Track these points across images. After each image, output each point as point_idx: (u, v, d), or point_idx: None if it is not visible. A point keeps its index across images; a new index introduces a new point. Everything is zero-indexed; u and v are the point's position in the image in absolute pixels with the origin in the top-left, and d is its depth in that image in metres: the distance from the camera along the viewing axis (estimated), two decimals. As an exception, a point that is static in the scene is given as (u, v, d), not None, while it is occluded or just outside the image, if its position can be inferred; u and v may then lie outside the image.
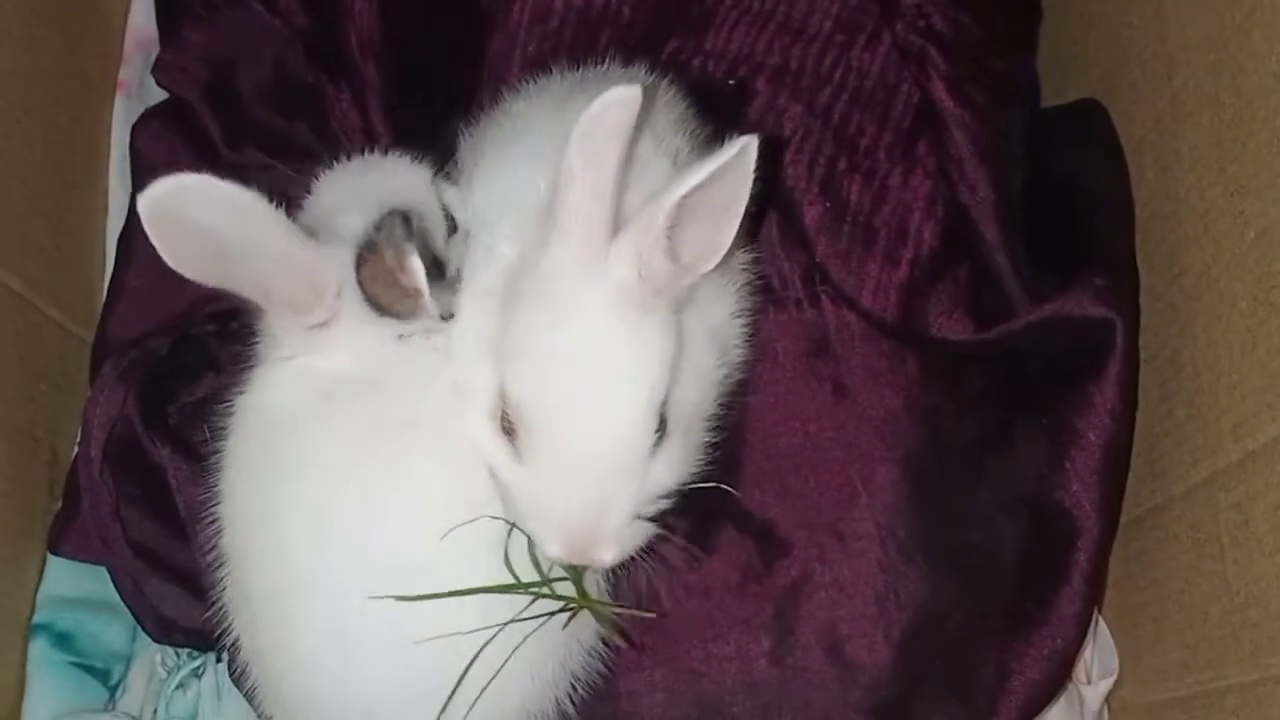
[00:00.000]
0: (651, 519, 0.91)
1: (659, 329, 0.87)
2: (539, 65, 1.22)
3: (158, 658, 1.22)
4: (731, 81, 1.25)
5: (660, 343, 0.87)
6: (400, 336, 0.94)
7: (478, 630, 0.89)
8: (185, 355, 1.19)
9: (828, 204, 1.19)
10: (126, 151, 1.37)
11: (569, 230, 0.86)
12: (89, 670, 1.20)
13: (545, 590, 0.91)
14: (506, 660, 0.90)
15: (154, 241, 0.84)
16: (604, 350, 0.85)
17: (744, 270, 1.08)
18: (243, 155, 1.32)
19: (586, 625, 1.00)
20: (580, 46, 1.27)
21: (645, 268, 0.86)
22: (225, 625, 1.00)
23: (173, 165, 1.32)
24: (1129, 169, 1.20)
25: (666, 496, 0.91)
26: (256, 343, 1.00)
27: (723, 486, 1.01)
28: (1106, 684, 1.17)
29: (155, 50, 1.40)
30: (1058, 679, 1.09)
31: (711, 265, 0.90)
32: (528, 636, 0.91)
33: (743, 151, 0.82)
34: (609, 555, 0.87)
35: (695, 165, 0.83)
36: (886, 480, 1.14)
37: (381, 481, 0.91)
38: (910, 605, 1.11)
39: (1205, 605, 1.04)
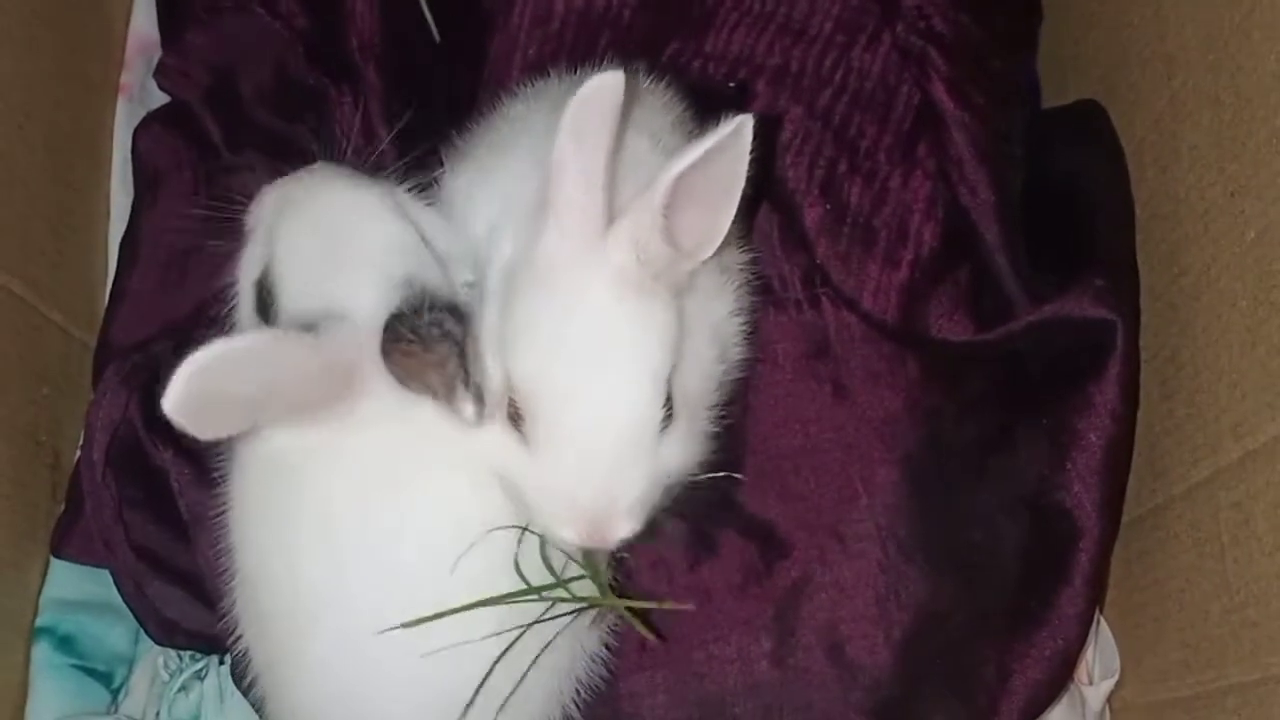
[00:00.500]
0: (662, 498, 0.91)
1: (659, 309, 0.88)
2: (539, 68, 1.23)
3: (160, 660, 1.23)
4: (732, 83, 1.25)
5: (661, 321, 0.88)
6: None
7: (491, 637, 0.89)
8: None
9: (828, 206, 1.19)
10: (128, 155, 1.38)
11: (564, 217, 0.86)
12: (91, 673, 1.21)
13: (560, 592, 0.92)
14: (526, 672, 0.91)
15: (187, 428, 0.79)
16: (606, 330, 0.86)
17: (743, 270, 1.08)
18: (244, 158, 1.32)
19: (591, 629, 1.00)
20: (580, 49, 1.27)
21: (643, 251, 0.86)
22: (234, 635, 1.01)
23: (174, 168, 1.34)
24: (1129, 169, 1.20)
25: (675, 483, 0.92)
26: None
27: (733, 476, 1.02)
28: (1108, 684, 1.17)
29: (157, 54, 1.40)
30: (1059, 679, 1.09)
31: (711, 251, 0.90)
32: (548, 644, 0.92)
33: (737, 132, 0.83)
34: (624, 529, 0.87)
35: (689, 147, 0.83)
36: (887, 481, 1.14)
37: (395, 505, 0.91)
38: (911, 606, 1.11)
39: (1206, 605, 1.04)
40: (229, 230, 1.03)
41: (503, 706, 0.91)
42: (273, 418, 0.87)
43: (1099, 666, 1.19)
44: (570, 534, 0.87)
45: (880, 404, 1.16)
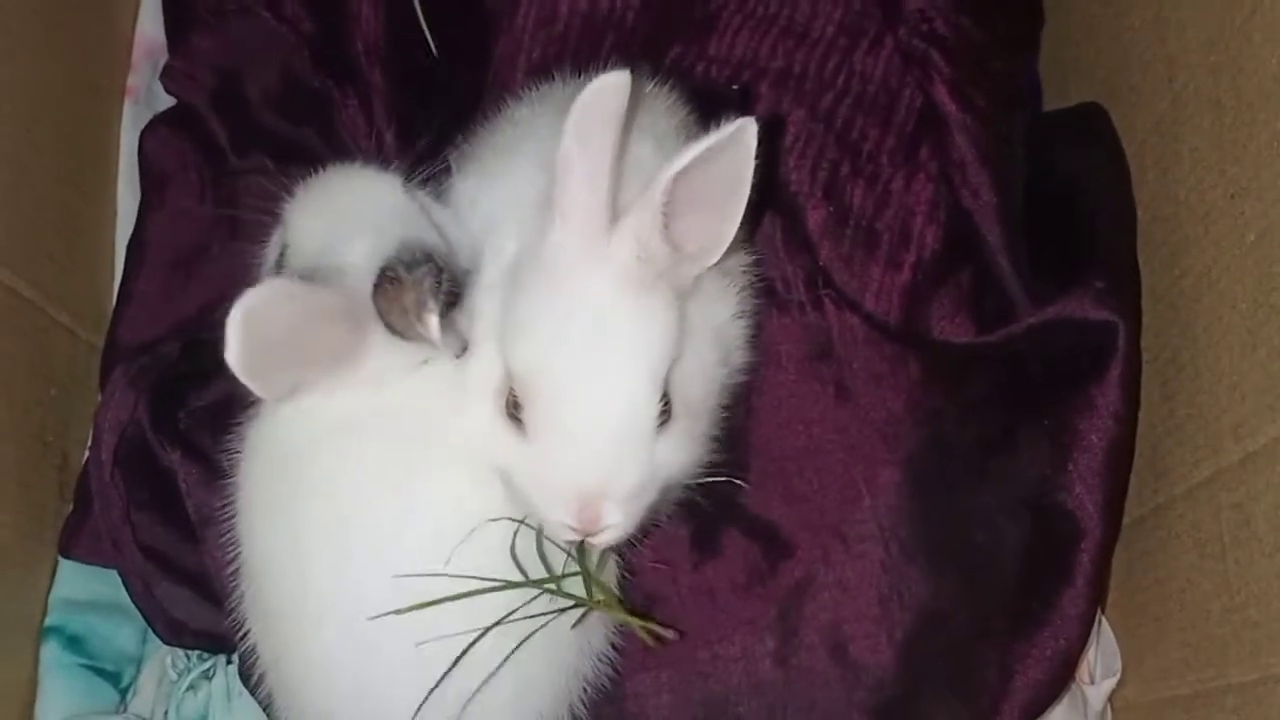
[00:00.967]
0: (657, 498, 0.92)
1: (660, 307, 0.89)
2: (543, 70, 1.23)
3: (168, 660, 1.24)
4: (735, 86, 1.26)
5: (662, 317, 0.89)
6: (424, 362, 0.95)
7: (490, 627, 0.89)
8: (195, 360, 1.19)
9: (831, 208, 1.20)
10: (135, 157, 1.38)
11: (569, 215, 0.88)
12: (100, 672, 1.21)
13: (554, 586, 0.92)
14: (503, 662, 0.91)
15: (251, 384, 0.84)
16: (606, 323, 0.87)
17: (746, 272, 1.08)
18: (250, 161, 1.33)
19: (597, 628, 1.01)
20: (584, 51, 1.28)
21: (644, 250, 0.87)
22: (241, 632, 1.01)
23: (181, 170, 1.35)
24: (1130, 171, 1.20)
25: (674, 484, 0.93)
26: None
27: (734, 481, 1.02)
28: (1110, 684, 1.18)
29: (163, 57, 1.41)
30: (1061, 679, 1.09)
31: (718, 255, 0.91)
32: (531, 634, 0.91)
33: (741, 134, 0.84)
34: (616, 517, 0.88)
35: (691, 144, 0.84)
36: (889, 482, 1.14)
37: (399, 499, 0.92)
38: (913, 606, 1.12)
39: (1206, 604, 1.04)
40: (235, 231, 1.05)
41: (475, 692, 0.92)
42: (319, 372, 0.91)
43: (1100, 666, 1.19)
44: (560, 515, 0.88)
45: (883, 405, 1.16)
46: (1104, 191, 1.20)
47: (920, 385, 1.16)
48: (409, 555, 0.91)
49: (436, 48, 1.34)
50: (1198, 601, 1.05)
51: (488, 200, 1.04)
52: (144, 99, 1.43)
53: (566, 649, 0.98)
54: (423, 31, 1.33)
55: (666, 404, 0.89)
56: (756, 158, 0.85)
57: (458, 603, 0.89)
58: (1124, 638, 1.19)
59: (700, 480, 0.97)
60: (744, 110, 1.23)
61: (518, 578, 0.92)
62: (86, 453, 1.26)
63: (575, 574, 0.94)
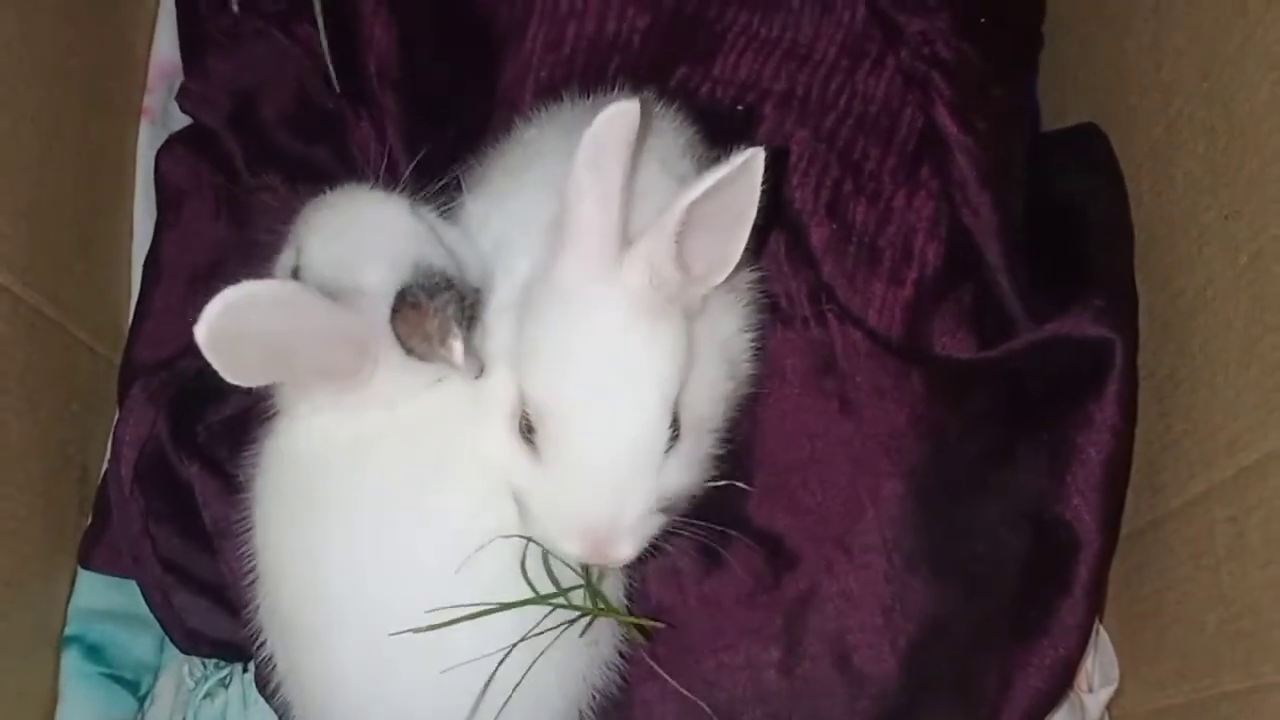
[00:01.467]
0: (664, 522, 0.93)
1: (671, 332, 0.90)
2: (551, 92, 1.25)
3: (185, 668, 1.25)
4: (739, 107, 1.27)
5: (673, 344, 0.90)
6: (438, 380, 0.96)
7: (512, 648, 0.91)
8: (213, 375, 1.19)
9: (834, 225, 1.21)
10: (151, 177, 1.39)
11: (580, 241, 0.89)
12: (119, 681, 1.22)
13: (562, 601, 0.94)
14: (527, 670, 0.93)
15: (215, 363, 0.84)
16: (618, 350, 0.88)
17: (751, 288, 1.10)
18: (264, 179, 1.34)
19: (606, 638, 1.02)
20: (591, 73, 1.29)
21: (656, 276, 0.88)
22: (258, 642, 1.03)
23: (196, 189, 1.36)
24: (1127, 192, 1.21)
25: (677, 502, 0.94)
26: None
27: (736, 484, 1.04)
28: (1107, 692, 1.19)
29: (179, 78, 1.42)
30: (1060, 688, 1.11)
31: (723, 276, 0.92)
32: (543, 650, 0.93)
33: (749, 163, 0.85)
34: (625, 551, 0.90)
35: (703, 175, 0.85)
36: (892, 494, 1.15)
37: (414, 512, 0.93)
38: (916, 616, 1.13)
39: (1202, 615, 1.05)
40: (250, 249, 1.06)
41: (525, 709, 0.94)
42: (296, 375, 0.92)
43: (1098, 675, 1.20)
44: (571, 549, 0.90)
45: (886, 419, 1.17)
46: (1102, 211, 1.21)
47: (923, 399, 1.17)
48: (423, 567, 0.93)
49: (447, 72, 1.35)
50: (1193, 612, 1.06)
51: (498, 220, 1.05)
52: (160, 119, 1.44)
53: (576, 658, 0.99)
54: (435, 54, 1.34)
55: (675, 425, 0.90)
56: (763, 183, 0.87)
57: (468, 611, 0.90)
58: (1121, 647, 1.20)
59: (705, 493, 0.98)
60: (748, 130, 1.26)
61: (528, 590, 0.93)
62: (105, 466, 1.27)
63: (581, 586, 0.95)
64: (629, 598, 1.07)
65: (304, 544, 0.95)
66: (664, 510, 0.92)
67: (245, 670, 1.23)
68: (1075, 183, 1.25)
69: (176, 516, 1.20)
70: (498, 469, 0.93)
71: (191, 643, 1.21)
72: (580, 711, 1.03)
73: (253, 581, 1.01)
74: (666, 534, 0.95)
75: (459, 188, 1.12)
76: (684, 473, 0.93)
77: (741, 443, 1.13)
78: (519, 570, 0.93)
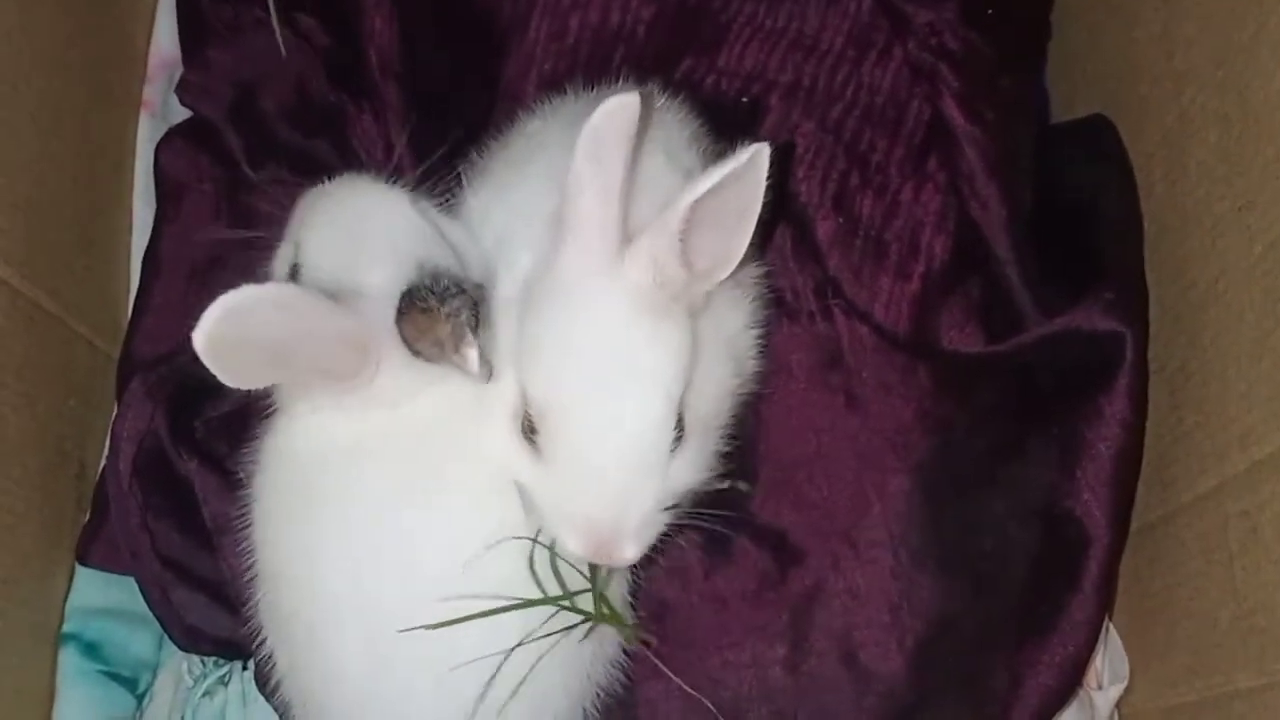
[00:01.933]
0: (669, 520, 0.92)
1: (675, 329, 0.89)
2: (554, 84, 1.24)
3: (184, 666, 1.24)
4: (745, 99, 1.27)
5: (677, 342, 0.89)
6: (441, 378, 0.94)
7: (513, 649, 0.90)
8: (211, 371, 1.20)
9: (840, 219, 1.20)
10: (150, 170, 1.39)
11: (581, 236, 0.88)
12: (117, 679, 1.22)
13: (566, 603, 0.93)
14: (530, 670, 0.92)
15: (215, 369, 0.82)
16: (622, 348, 0.87)
17: (757, 283, 1.09)
18: (265, 173, 1.34)
19: (610, 637, 1.02)
20: (595, 65, 1.29)
21: (660, 273, 0.87)
22: (258, 640, 1.02)
23: (196, 183, 1.36)
24: (1137, 183, 1.21)
25: (684, 499, 0.93)
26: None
27: (743, 483, 1.03)
28: (1117, 690, 1.18)
29: (179, 70, 1.42)
30: (1069, 685, 1.10)
31: (727, 273, 0.91)
32: (548, 650, 0.92)
33: (754, 159, 0.84)
34: (630, 551, 0.89)
35: (708, 171, 0.84)
36: (899, 490, 1.15)
37: (416, 508, 0.93)
38: (923, 613, 1.12)
39: (1214, 612, 1.04)
40: (250, 245, 1.05)
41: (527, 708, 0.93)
42: (295, 377, 0.90)
43: (1108, 672, 1.19)
44: (577, 548, 0.89)
45: (892, 414, 1.17)
46: (1111, 203, 1.20)
47: (930, 394, 1.17)
48: (425, 565, 0.92)
49: (449, 64, 1.35)
50: (1205, 608, 1.06)
51: (500, 213, 1.05)
52: (160, 112, 1.44)
53: (581, 656, 0.98)
54: (437, 46, 1.33)
55: (680, 424, 0.89)
56: (768, 178, 0.86)
57: (474, 612, 0.89)
58: (1131, 644, 1.19)
59: (710, 489, 0.98)
60: (754, 122, 1.25)
61: (533, 587, 0.92)
62: (103, 462, 1.26)
63: (587, 590, 0.95)
64: (633, 594, 1.06)
65: (303, 542, 0.94)
66: (670, 508, 0.91)
67: (245, 668, 1.22)
68: (1084, 174, 1.24)
69: (175, 512, 1.20)
70: (501, 467, 0.92)
71: (190, 640, 1.21)
72: (584, 709, 1.02)
73: (252, 579, 1.00)
74: (672, 530, 0.94)
75: (460, 181, 1.11)
76: (690, 471, 0.93)
77: (746, 438, 1.12)
78: (522, 569, 0.92)
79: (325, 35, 1.36)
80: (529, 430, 0.90)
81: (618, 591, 1.01)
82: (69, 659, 1.20)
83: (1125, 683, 1.18)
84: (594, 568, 0.94)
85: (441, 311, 0.89)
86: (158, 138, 1.40)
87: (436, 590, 0.90)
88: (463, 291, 0.91)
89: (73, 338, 1.27)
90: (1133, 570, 1.18)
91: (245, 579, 1.01)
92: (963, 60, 1.20)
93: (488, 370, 0.92)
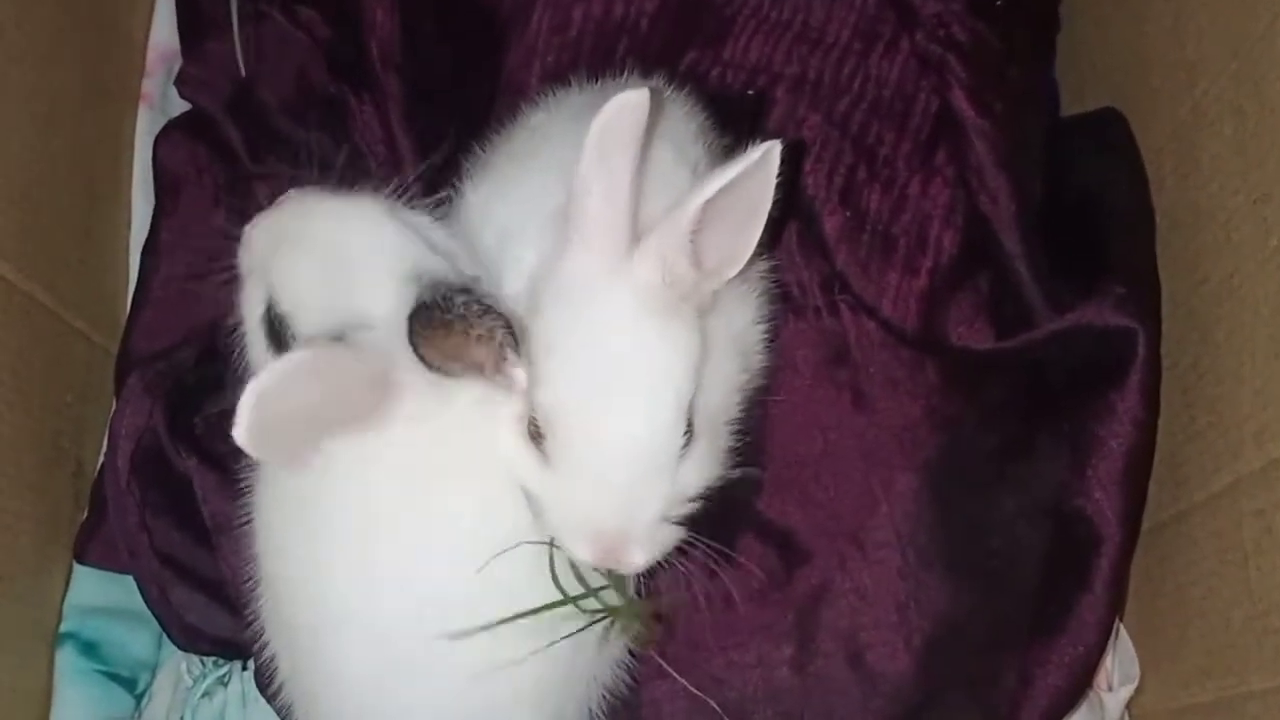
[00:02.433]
0: (679, 523, 0.91)
1: (685, 331, 0.88)
2: (557, 77, 1.23)
3: (183, 665, 1.23)
4: (750, 92, 1.25)
5: (687, 344, 0.88)
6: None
7: (524, 659, 0.90)
8: (211, 366, 1.19)
9: (847, 213, 1.19)
10: (149, 163, 1.38)
11: (589, 235, 0.86)
12: (115, 678, 1.21)
13: (584, 602, 0.92)
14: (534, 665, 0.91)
15: (262, 455, 0.82)
16: (631, 351, 0.86)
17: (764, 278, 1.08)
18: (265, 166, 1.33)
19: (616, 637, 1.00)
20: (598, 58, 1.28)
21: (669, 273, 0.86)
22: (260, 643, 1.01)
23: (195, 176, 1.35)
24: (1148, 177, 1.20)
25: (692, 500, 0.92)
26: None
27: (746, 473, 1.02)
28: (1127, 691, 1.17)
29: (177, 63, 1.41)
30: (1079, 686, 1.09)
31: (735, 271, 0.90)
32: (553, 642, 0.91)
33: (765, 157, 0.83)
34: (639, 557, 0.88)
35: (718, 170, 0.83)
36: (907, 488, 1.14)
37: (423, 511, 0.91)
38: (931, 613, 1.11)
39: (1227, 612, 1.03)
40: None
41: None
42: (329, 433, 0.87)
43: (1118, 673, 1.18)
44: (585, 553, 0.88)
45: (900, 411, 1.16)
46: (1122, 197, 1.19)
47: (938, 391, 1.16)
48: (432, 567, 0.91)
49: (451, 56, 1.34)
50: (1219, 608, 1.05)
51: (503, 209, 1.04)
52: (159, 105, 1.43)
53: (586, 657, 0.97)
54: (439, 39, 1.32)
55: (689, 426, 0.88)
56: (779, 176, 0.85)
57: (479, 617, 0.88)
58: (1143, 645, 1.18)
59: (717, 488, 0.96)
60: (759, 116, 1.24)
61: (542, 595, 0.91)
62: (101, 459, 1.26)
63: (604, 587, 0.94)
64: (636, 593, 1.05)
65: (310, 550, 0.93)
66: (680, 511, 0.90)
67: (244, 668, 1.21)
68: (1094, 168, 1.23)
69: (174, 510, 1.19)
70: (508, 471, 0.91)
71: (189, 639, 1.20)
72: (590, 710, 1.01)
73: (253, 581, 1.00)
74: (679, 550, 0.93)
75: (461, 174, 1.10)
76: (700, 472, 0.92)
77: (752, 436, 1.11)
78: (532, 576, 0.91)
79: (326, 27, 1.35)
80: (535, 435, 0.89)
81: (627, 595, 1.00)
82: (67, 658, 1.19)
83: (1136, 684, 1.17)
84: (611, 571, 0.93)
85: (472, 334, 0.86)
86: (156, 131, 1.39)
87: (443, 598, 0.89)
88: (489, 309, 0.86)
89: (70, 333, 1.26)
90: (1144, 570, 1.18)
91: (245, 579, 1.01)
92: (971, 52, 1.19)
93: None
